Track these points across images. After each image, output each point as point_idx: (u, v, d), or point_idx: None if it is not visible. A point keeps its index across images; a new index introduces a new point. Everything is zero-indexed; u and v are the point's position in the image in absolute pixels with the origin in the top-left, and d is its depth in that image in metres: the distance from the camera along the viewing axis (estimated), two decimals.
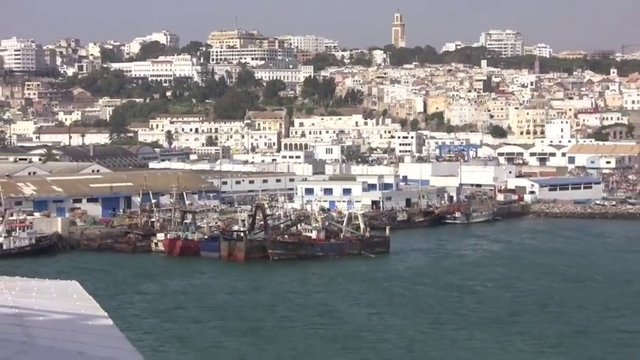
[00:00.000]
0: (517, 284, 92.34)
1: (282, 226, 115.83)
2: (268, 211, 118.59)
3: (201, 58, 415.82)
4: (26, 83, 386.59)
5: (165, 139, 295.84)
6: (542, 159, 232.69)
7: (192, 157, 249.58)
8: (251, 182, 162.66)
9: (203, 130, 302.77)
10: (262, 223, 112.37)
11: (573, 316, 76.25)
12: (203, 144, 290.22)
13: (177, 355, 63.72)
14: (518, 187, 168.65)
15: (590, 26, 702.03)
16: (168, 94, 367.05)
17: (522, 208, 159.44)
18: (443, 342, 67.23)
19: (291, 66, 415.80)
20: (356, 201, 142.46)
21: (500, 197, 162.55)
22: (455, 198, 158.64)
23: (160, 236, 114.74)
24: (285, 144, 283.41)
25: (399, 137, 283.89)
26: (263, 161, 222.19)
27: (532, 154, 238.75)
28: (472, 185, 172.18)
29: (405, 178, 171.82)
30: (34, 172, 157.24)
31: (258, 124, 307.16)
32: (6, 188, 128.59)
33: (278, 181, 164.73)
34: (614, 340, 67.82)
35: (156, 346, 64.52)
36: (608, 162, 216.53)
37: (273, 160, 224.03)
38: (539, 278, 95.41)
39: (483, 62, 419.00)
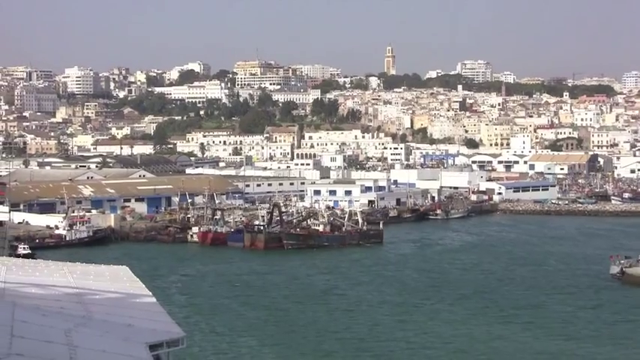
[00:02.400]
0: (486, 268, 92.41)
1: (294, 221, 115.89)
2: (283, 209, 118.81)
3: (229, 84, 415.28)
4: (85, 104, 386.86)
5: (199, 149, 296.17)
6: (508, 166, 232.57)
7: (221, 164, 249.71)
8: (269, 185, 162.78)
9: (230, 142, 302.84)
10: (278, 218, 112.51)
11: (531, 293, 76.40)
12: (230, 154, 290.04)
13: (208, 324, 64.04)
14: (488, 189, 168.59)
15: (547, 57, 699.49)
16: (202, 113, 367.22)
17: (491, 207, 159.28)
18: (426, 313, 67.54)
19: (302, 90, 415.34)
20: (355, 200, 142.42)
21: (473, 197, 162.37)
22: (436, 198, 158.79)
23: (195, 229, 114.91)
24: (298, 154, 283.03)
25: (390, 148, 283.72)
26: (279, 168, 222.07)
27: (499, 162, 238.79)
28: (450, 187, 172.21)
29: (395, 182, 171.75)
30: (92, 177, 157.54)
31: (275, 137, 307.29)
32: (69, 190, 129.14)
33: (291, 184, 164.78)
34: (563, 313, 68.02)
35: (190, 318, 64.85)
36: (561, 169, 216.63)
37: (287, 166, 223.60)
38: (504, 263, 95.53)
39: (459, 87, 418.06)
